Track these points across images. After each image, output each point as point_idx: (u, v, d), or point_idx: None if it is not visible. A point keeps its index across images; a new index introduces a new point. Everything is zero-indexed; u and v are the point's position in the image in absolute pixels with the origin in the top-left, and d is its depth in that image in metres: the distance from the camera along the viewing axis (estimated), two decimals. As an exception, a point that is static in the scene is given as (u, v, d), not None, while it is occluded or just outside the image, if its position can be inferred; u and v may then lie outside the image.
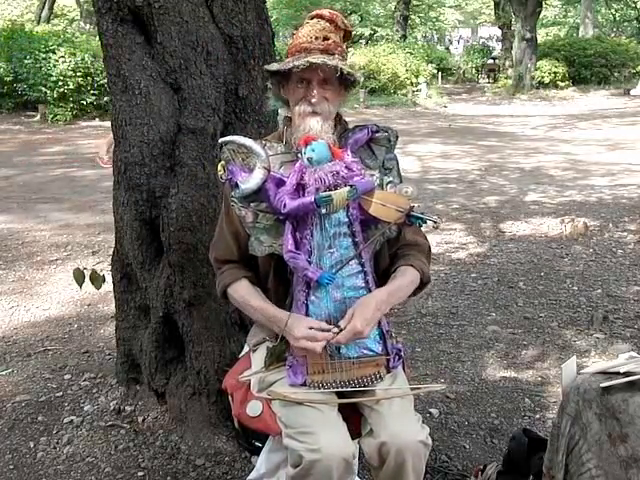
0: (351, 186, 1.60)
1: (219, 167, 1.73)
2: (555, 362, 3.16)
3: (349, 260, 1.64)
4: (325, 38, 1.67)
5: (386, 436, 1.61)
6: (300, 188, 1.63)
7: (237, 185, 1.68)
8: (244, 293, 1.77)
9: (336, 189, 1.60)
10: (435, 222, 1.69)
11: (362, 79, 1.71)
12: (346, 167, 1.63)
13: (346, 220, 1.67)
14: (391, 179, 1.76)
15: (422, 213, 1.68)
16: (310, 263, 1.63)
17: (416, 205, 1.69)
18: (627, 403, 1.63)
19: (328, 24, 1.68)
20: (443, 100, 20.10)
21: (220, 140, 1.76)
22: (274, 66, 1.73)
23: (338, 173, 1.61)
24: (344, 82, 1.71)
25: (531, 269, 4.60)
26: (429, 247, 1.87)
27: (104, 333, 3.57)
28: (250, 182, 1.65)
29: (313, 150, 1.61)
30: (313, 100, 1.67)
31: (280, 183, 1.65)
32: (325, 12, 1.70)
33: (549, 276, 4.42)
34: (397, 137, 1.82)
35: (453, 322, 3.70)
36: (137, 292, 2.65)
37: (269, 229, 1.70)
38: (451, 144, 11.43)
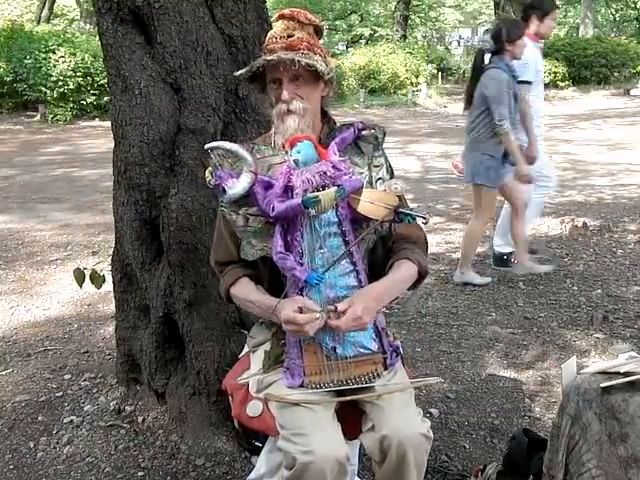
0: (338, 186, 1.60)
1: (207, 173, 1.73)
2: (555, 362, 3.16)
3: (337, 259, 1.64)
4: (289, 36, 1.66)
5: (387, 429, 1.61)
6: (288, 190, 1.63)
7: (225, 191, 1.68)
8: (244, 290, 1.77)
9: (324, 189, 1.60)
10: (424, 218, 1.70)
11: (332, 73, 1.68)
12: (333, 167, 1.63)
13: (336, 220, 1.67)
14: (380, 176, 1.76)
15: (411, 209, 1.69)
16: (302, 265, 1.63)
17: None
18: (627, 403, 1.63)
19: (291, 22, 1.68)
20: (443, 100, 20.09)
21: (206, 146, 1.75)
22: (238, 72, 1.74)
23: (325, 173, 1.61)
24: (320, 78, 1.69)
25: (531, 269, 4.60)
26: (425, 239, 1.85)
27: (104, 333, 3.57)
28: (237, 187, 1.65)
29: (299, 152, 1.61)
30: (284, 97, 1.66)
31: (268, 186, 1.65)
32: (286, 11, 1.71)
33: (549, 276, 4.42)
34: (384, 134, 1.81)
35: (453, 322, 3.70)
36: (137, 292, 2.65)
37: (260, 232, 1.70)
38: (451, 144, 11.42)
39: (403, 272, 1.72)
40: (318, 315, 1.57)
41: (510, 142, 3.98)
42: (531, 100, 4.29)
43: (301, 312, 1.57)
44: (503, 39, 3.95)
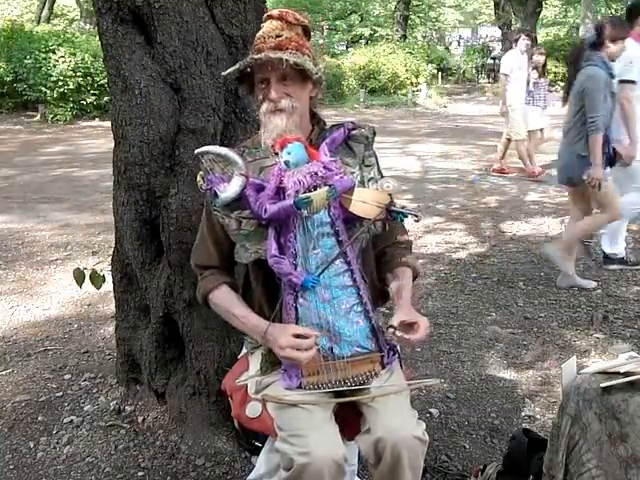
0: (330, 186, 1.61)
1: (198, 178, 1.74)
2: (555, 362, 3.16)
3: (332, 260, 1.64)
4: (277, 36, 1.67)
5: (381, 432, 1.61)
6: (280, 192, 1.64)
7: (216, 195, 1.68)
8: (226, 300, 1.78)
9: (316, 190, 1.61)
10: (416, 216, 1.71)
11: (320, 73, 1.70)
12: (324, 167, 1.64)
13: (328, 220, 1.67)
14: (372, 176, 1.77)
15: (403, 208, 1.70)
16: (296, 266, 1.63)
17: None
18: (627, 403, 1.63)
19: (279, 22, 1.70)
20: (443, 100, 20.09)
21: (196, 151, 1.76)
22: (226, 72, 1.75)
23: (316, 174, 1.62)
24: (309, 78, 1.70)
25: (531, 269, 4.60)
26: (411, 243, 1.94)
27: (104, 333, 3.57)
28: (228, 191, 1.66)
29: (289, 153, 1.62)
30: (272, 97, 1.67)
31: (260, 189, 1.66)
32: (274, 12, 1.72)
33: (549, 276, 4.42)
34: (374, 133, 1.83)
35: (453, 322, 3.70)
36: (137, 292, 2.65)
37: (253, 235, 1.70)
38: (451, 144, 11.42)
39: (409, 277, 1.81)
40: (316, 341, 1.61)
41: (595, 141, 3.81)
42: (635, 100, 4.16)
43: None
44: (605, 35, 3.84)
